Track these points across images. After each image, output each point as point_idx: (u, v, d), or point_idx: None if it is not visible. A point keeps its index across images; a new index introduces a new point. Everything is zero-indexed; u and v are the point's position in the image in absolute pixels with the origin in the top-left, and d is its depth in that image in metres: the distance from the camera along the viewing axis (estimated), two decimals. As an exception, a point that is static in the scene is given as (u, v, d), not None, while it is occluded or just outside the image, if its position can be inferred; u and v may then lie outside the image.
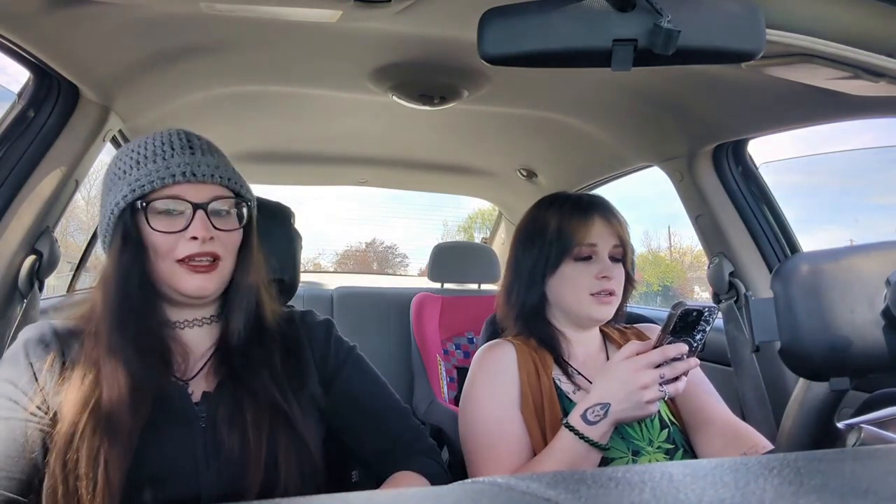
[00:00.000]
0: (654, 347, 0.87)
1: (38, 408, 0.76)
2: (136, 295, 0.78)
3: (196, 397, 0.81)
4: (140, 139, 0.83)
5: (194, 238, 0.78)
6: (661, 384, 0.86)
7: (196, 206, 0.78)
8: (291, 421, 0.81)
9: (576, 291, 1.04)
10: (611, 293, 1.04)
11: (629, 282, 1.10)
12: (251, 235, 0.87)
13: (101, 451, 0.71)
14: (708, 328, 0.87)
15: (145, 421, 0.74)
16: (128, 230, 0.78)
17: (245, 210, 0.84)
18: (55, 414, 0.75)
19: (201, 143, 0.84)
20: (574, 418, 0.89)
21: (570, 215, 1.06)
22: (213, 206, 0.80)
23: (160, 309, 0.83)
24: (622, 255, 1.07)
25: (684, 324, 0.85)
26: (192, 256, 0.78)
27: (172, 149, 0.80)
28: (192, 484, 0.76)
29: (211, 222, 0.79)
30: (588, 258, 1.05)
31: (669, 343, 0.86)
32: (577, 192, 1.15)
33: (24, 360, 0.78)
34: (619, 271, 1.06)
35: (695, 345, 0.87)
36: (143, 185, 0.77)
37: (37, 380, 0.77)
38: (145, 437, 0.74)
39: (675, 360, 0.86)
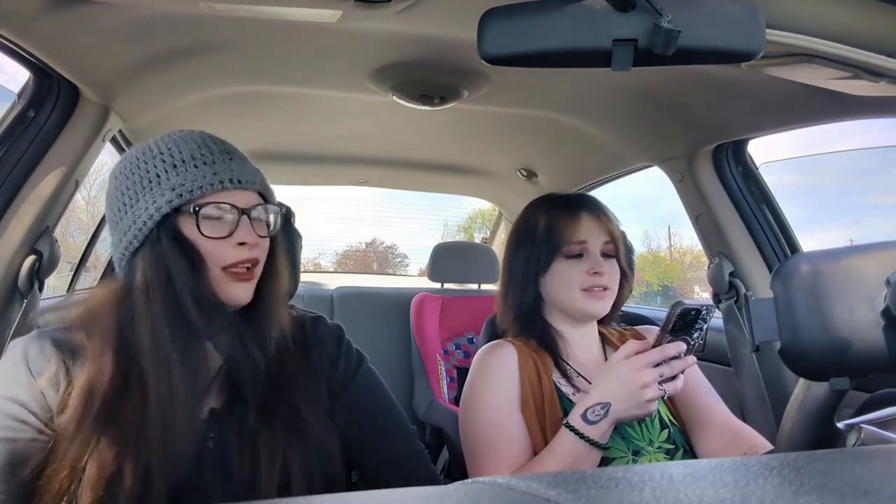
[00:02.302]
0: (653, 346, 0.88)
1: (44, 423, 0.73)
2: (196, 308, 0.74)
3: (203, 413, 0.78)
4: (160, 142, 0.79)
5: (241, 244, 0.77)
6: (660, 383, 0.86)
7: (242, 213, 0.78)
8: (306, 438, 0.79)
9: (568, 288, 1.05)
10: (603, 288, 1.05)
11: (625, 278, 1.10)
12: (277, 242, 0.86)
13: (115, 473, 0.68)
14: (705, 326, 0.87)
15: (164, 441, 0.71)
16: (178, 235, 0.75)
17: (274, 217, 0.84)
18: (58, 430, 0.72)
19: (234, 148, 0.82)
20: (574, 418, 0.89)
21: (559, 214, 1.08)
22: (255, 212, 0.80)
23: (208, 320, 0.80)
24: (614, 251, 1.08)
25: (683, 323, 0.86)
26: (237, 263, 0.78)
27: (212, 153, 0.78)
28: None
29: (254, 229, 0.79)
30: (579, 255, 1.06)
31: (668, 342, 0.87)
32: (565, 192, 1.16)
33: (27, 376, 0.74)
34: (611, 267, 1.06)
35: (692, 343, 0.88)
36: (192, 190, 0.75)
37: (44, 395, 0.73)
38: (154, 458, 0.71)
39: (673, 358, 0.87)
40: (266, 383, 0.80)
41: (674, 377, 0.87)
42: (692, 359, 0.88)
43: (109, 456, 0.69)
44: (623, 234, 1.12)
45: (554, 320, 1.11)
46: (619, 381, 0.87)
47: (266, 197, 0.84)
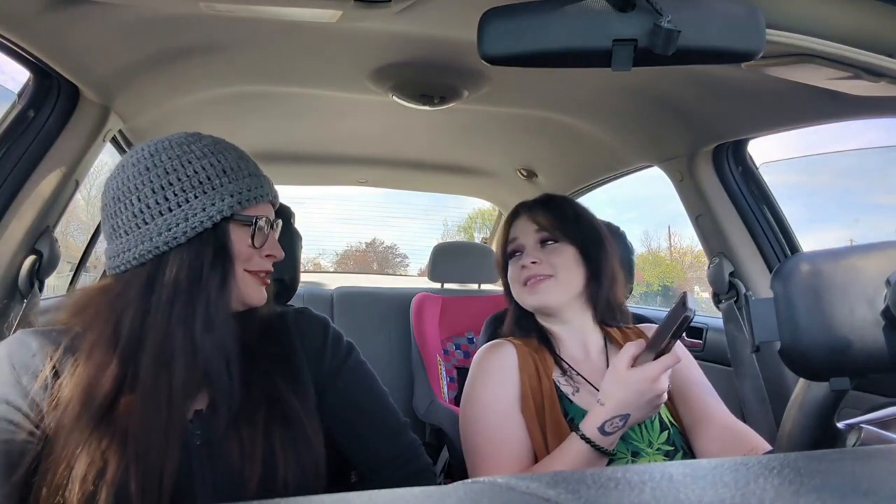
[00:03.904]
0: (661, 350, 0.86)
1: (33, 423, 0.73)
2: (204, 319, 0.76)
3: (189, 414, 0.79)
4: (194, 145, 0.80)
5: (269, 256, 0.83)
6: None
7: (271, 226, 0.83)
8: (289, 421, 0.80)
9: (515, 286, 1.11)
10: (544, 277, 1.06)
11: (589, 259, 1.09)
12: None
13: (101, 469, 0.69)
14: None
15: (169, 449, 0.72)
16: (225, 241, 0.78)
17: (278, 231, 0.89)
18: (50, 427, 0.72)
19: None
20: (590, 430, 0.88)
21: (505, 223, 1.17)
22: (275, 226, 0.85)
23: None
24: (551, 237, 1.09)
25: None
26: (262, 272, 0.82)
27: (253, 165, 0.84)
28: (188, 501, 0.74)
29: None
30: (518, 252, 1.12)
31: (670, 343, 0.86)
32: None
33: (12, 375, 0.73)
34: (548, 254, 1.08)
35: (680, 335, 0.89)
36: (249, 199, 0.79)
37: (29, 395, 0.73)
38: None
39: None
40: (246, 377, 0.81)
41: None
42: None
43: (98, 451, 0.69)
44: (602, 229, 1.13)
45: (541, 320, 1.13)
46: (636, 392, 0.86)
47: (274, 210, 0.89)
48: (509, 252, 1.13)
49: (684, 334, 0.90)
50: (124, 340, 0.74)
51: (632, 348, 0.90)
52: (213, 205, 0.76)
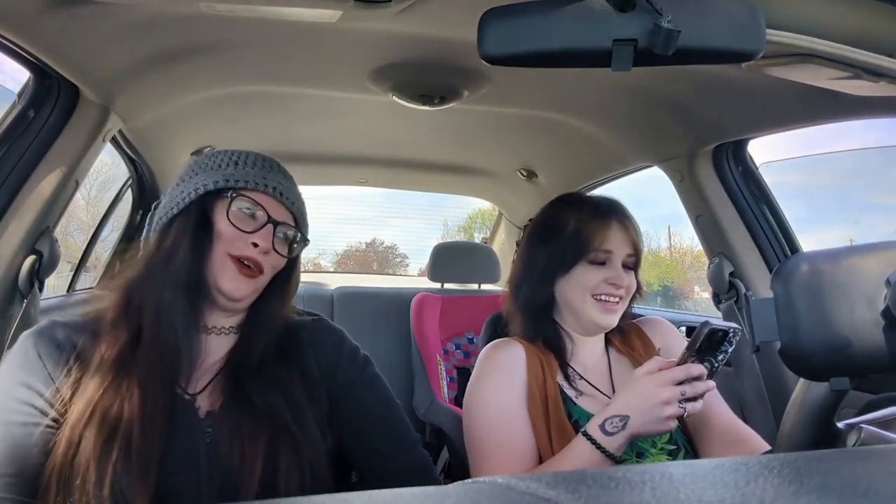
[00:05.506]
0: (678, 364, 0.87)
1: (55, 409, 0.74)
2: (197, 281, 0.81)
3: (202, 413, 0.81)
4: (239, 151, 0.89)
5: (254, 245, 0.82)
6: (680, 402, 0.85)
7: (270, 220, 0.84)
8: (294, 437, 0.80)
9: (583, 293, 1.04)
10: (617, 301, 1.04)
11: (638, 289, 1.10)
12: (294, 269, 0.92)
13: (111, 463, 0.70)
14: (731, 350, 0.86)
15: (158, 433, 0.73)
16: (204, 214, 0.83)
17: (298, 245, 0.89)
18: (69, 419, 0.74)
19: (291, 176, 0.92)
20: (592, 428, 0.89)
21: (589, 218, 1.06)
22: (282, 228, 0.85)
23: (210, 304, 0.85)
24: (634, 263, 1.07)
25: (709, 343, 0.84)
26: (243, 257, 0.82)
27: (271, 166, 0.88)
28: (193, 499, 0.75)
29: (273, 240, 0.84)
30: (602, 263, 1.05)
31: (692, 362, 0.86)
32: (594, 195, 1.14)
33: (38, 363, 0.76)
34: (630, 279, 1.06)
35: (716, 365, 0.87)
36: (238, 181, 0.83)
37: (53, 382, 0.75)
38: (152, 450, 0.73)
39: (696, 378, 0.86)
40: (262, 387, 0.82)
41: (695, 398, 0.86)
42: (712, 383, 0.87)
43: (100, 439, 0.71)
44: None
45: (564, 322, 1.10)
46: (639, 395, 0.86)
47: (298, 224, 0.89)
48: (598, 260, 1.04)
49: (721, 362, 0.88)
50: (132, 309, 0.80)
51: (655, 361, 0.89)
52: (204, 182, 0.83)
